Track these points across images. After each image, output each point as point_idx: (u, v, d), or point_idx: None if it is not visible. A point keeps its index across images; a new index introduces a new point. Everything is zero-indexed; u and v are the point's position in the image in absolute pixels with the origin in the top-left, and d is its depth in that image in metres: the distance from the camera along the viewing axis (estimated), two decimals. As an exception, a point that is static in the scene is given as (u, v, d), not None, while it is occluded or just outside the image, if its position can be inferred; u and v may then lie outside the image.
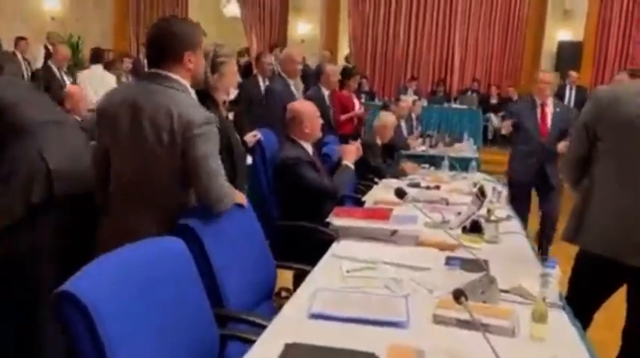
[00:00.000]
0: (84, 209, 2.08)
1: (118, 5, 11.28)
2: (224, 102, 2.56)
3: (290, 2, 10.96)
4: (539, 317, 1.50)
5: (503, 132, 4.43)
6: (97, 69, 6.49)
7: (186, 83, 1.91)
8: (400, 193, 2.53)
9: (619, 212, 2.01)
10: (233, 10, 11.80)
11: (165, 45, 1.87)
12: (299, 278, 2.68)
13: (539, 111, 4.15)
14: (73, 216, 2.06)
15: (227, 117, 2.49)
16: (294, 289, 2.70)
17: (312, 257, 2.20)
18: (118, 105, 1.90)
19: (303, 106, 3.11)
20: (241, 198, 2.08)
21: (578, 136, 2.18)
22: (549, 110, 4.14)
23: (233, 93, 2.41)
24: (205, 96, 2.29)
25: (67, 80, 6.00)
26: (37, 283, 1.97)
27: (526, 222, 3.96)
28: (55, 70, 5.96)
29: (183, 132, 1.80)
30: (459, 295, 1.39)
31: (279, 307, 1.71)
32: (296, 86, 4.46)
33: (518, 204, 3.93)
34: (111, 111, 1.92)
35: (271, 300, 2.19)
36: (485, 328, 1.38)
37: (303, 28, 10.90)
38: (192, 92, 1.95)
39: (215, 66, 2.27)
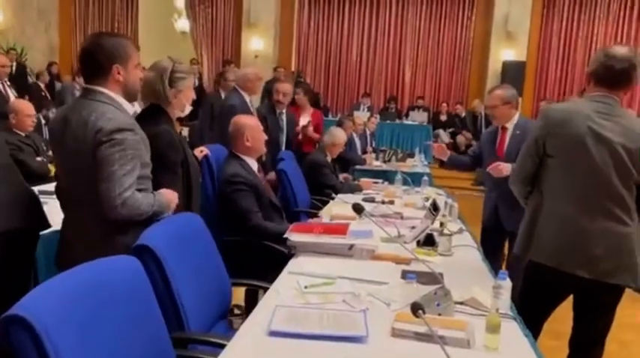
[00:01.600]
0: (17, 244, 2.02)
1: (63, 18, 10.97)
2: (180, 119, 2.52)
3: (243, 18, 10.96)
4: (493, 328, 1.55)
5: (436, 155, 3.57)
6: None
7: (115, 95, 1.90)
8: (358, 209, 2.56)
9: (567, 225, 2.09)
10: (184, 25, 11.67)
11: (94, 59, 1.89)
12: (251, 295, 2.65)
13: (499, 137, 3.33)
14: (6, 253, 1.99)
15: (180, 133, 2.46)
16: (246, 306, 2.67)
17: (264, 272, 2.18)
18: (56, 123, 1.97)
19: (245, 119, 3.08)
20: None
21: (528, 152, 2.21)
22: (508, 135, 3.27)
23: (188, 110, 2.37)
24: (159, 112, 2.26)
25: (11, 93, 5.76)
26: None
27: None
28: (-4, 82, 5.71)
29: (93, 140, 1.80)
30: (416, 308, 1.41)
31: (232, 324, 1.69)
32: (251, 101, 4.44)
33: (489, 254, 2.89)
34: (51, 128, 2.03)
35: (227, 319, 2.16)
36: (442, 340, 1.40)
37: (256, 43, 10.89)
38: (124, 104, 1.93)
39: (172, 81, 2.25)
